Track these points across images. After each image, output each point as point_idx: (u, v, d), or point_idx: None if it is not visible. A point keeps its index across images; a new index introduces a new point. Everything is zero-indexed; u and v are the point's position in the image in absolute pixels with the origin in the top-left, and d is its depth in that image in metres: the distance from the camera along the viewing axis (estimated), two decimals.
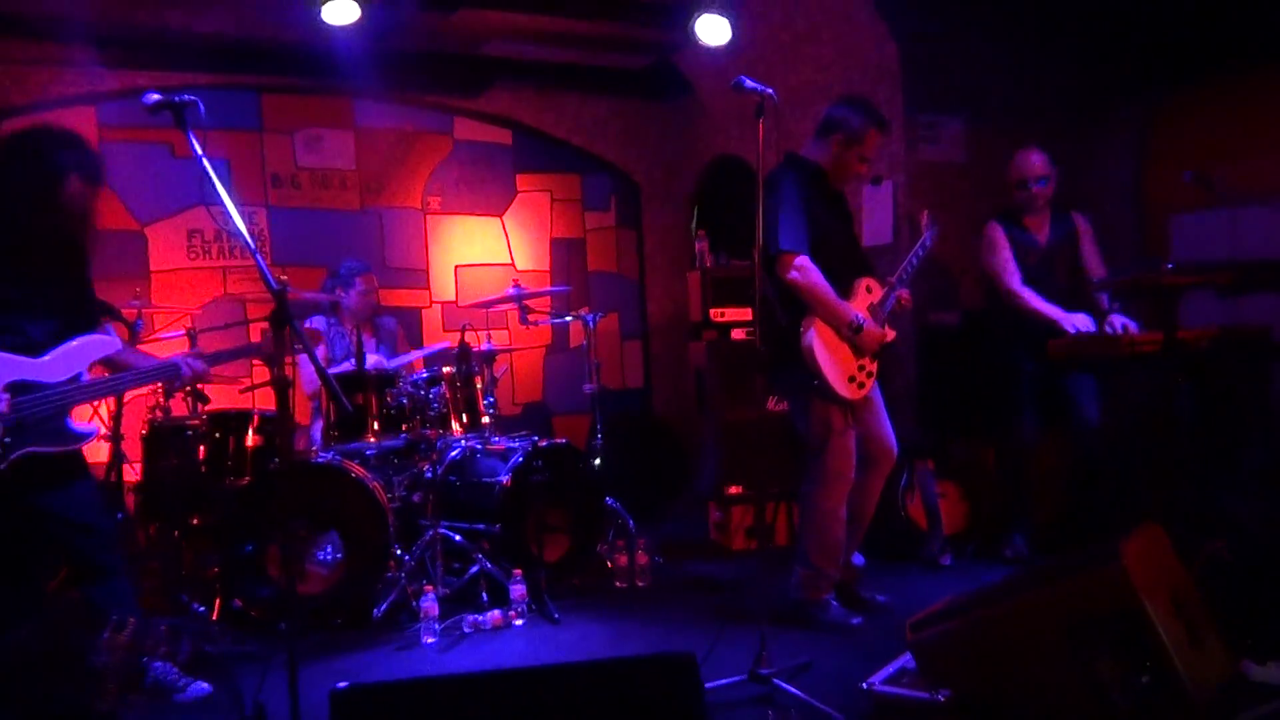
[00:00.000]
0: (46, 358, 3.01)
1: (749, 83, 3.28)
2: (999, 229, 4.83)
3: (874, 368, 3.94)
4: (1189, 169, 4.27)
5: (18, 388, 2.92)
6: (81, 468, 3.17)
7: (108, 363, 3.20)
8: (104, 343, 3.18)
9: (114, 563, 3.14)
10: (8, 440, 2.86)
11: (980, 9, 5.39)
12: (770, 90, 3.26)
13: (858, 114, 3.90)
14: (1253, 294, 4.14)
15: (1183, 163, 5.07)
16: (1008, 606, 2.70)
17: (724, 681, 3.09)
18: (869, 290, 3.96)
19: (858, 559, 4.20)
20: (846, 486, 3.90)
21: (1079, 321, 4.54)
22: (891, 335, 3.99)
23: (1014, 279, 4.75)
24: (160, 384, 4.25)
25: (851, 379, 3.84)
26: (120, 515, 4.46)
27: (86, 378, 3.11)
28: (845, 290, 3.88)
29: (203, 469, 4.37)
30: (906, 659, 3.09)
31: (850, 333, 3.80)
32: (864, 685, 2.97)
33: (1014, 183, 4.80)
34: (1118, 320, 4.51)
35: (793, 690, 3.02)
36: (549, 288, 6.82)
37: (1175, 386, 3.90)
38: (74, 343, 3.08)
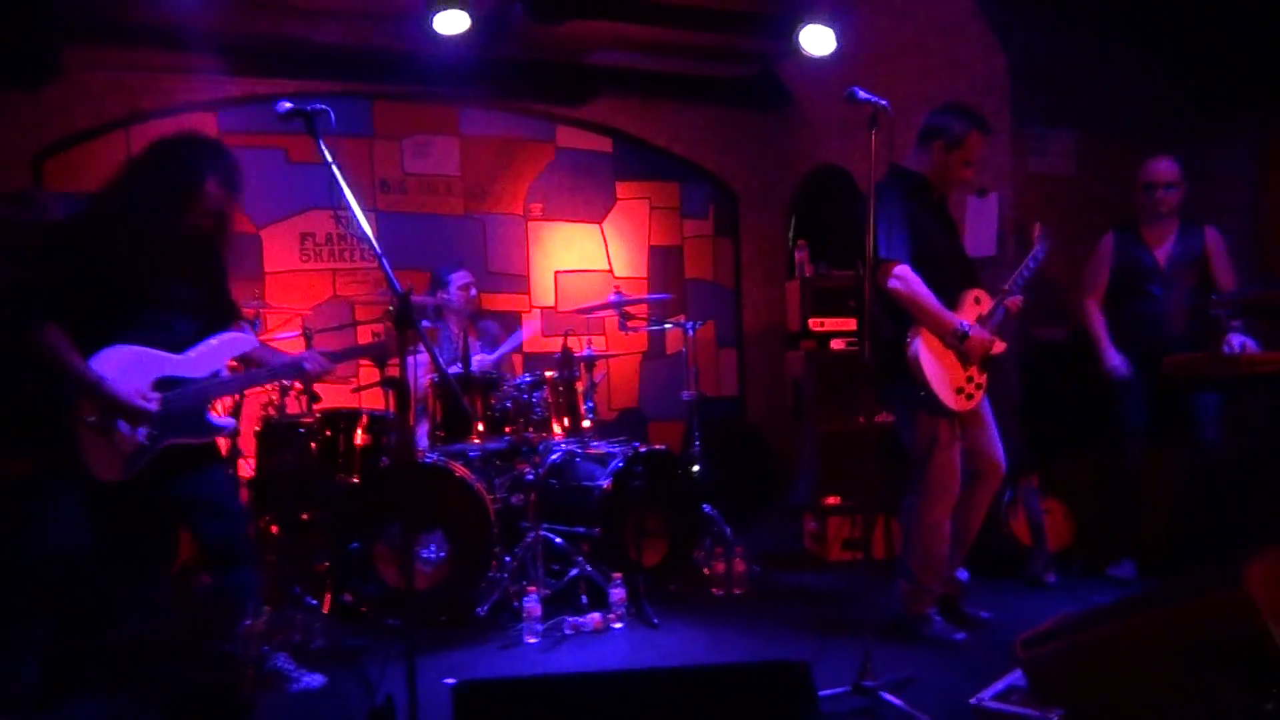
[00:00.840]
0: (191, 354, 3.16)
1: (862, 94, 3.28)
2: (1109, 240, 4.78)
3: (983, 379, 3.89)
4: None
5: (165, 383, 3.08)
6: (217, 456, 3.32)
7: (242, 359, 3.36)
8: (242, 340, 3.34)
9: (245, 549, 3.26)
10: (155, 433, 3.02)
11: (1093, 21, 5.27)
12: (884, 102, 3.26)
13: (958, 119, 3.88)
14: None
15: None
16: (1125, 626, 2.64)
17: (829, 692, 3.07)
18: (977, 301, 3.92)
19: (962, 574, 4.15)
20: (951, 500, 3.86)
21: (1117, 363, 4.65)
22: (1001, 346, 3.93)
23: (1090, 292, 4.81)
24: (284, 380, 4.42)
25: (960, 390, 3.80)
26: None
27: (225, 373, 3.27)
28: (952, 301, 3.84)
29: (314, 466, 4.51)
30: (1016, 676, 3.04)
31: (955, 341, 3.76)
32: (973, 701, 2.94)
33: (1140, 185, 4.71)
34: (1236, 340, 4.37)
35: (899, 703, 3.00)
36: (649, 295, 6.88)
37: None
38: (215, 340, 3.23)
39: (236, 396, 4.54)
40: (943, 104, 4.07)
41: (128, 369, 3.00)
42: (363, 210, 6.46)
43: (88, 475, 2.96)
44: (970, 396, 3.84)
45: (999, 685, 3.04)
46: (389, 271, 2.77)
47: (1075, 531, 4.94)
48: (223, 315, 3.35)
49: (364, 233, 2.77)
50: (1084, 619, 2.82)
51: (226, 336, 3.29)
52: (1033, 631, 2.91)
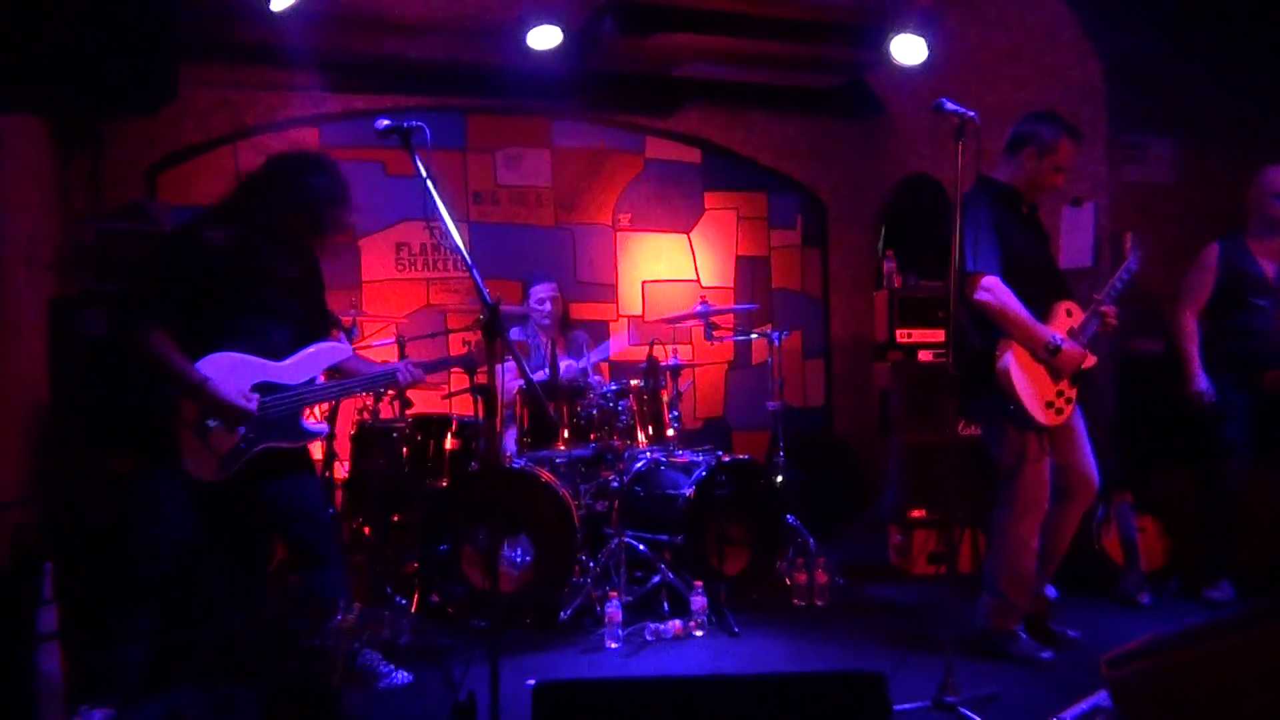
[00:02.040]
0: (288, 362, 3.31)
1: (949, 105, 3.27)
2: (1214, 250, 4.66)
3: (1073, 394, 3.82)
4: None
5: (264, 388, 3.22)
6: (308, 463, 3.45)
7: (336, 368, 3.49)
8: (337, 350, 3.49)
9: (332, 551, 3.40)
10: (252, 436, 3.16)
11: (1192, 22, 5.14)
12: (972, 113, 3.24)
13: (1047, 125, 3.83)
14: None
15: None
16: (1218, 647, 2.57)
17: (908, 706, 3.07)
18: (1069, 314, 3.85)
19: (1051, 591, 4.07)
20: (1040, 515, 3.80)
21: (1204, 386, 4.57)
22: (1093, 360, 3.86)
23: (1189, 304, 4.69)
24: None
25: (1050, 404, 3.74)
26: (330, 510, 4.79)
27: (320, 381, 3.41)
28: (1044, 313, 3.79)
29: (405, 469, 4.64)
30: (1101, 697, 2.98)
31: (1047, 354, 3.71)
32: None
33: (1269, 194, 4.57)
34: None
35: None
36: (735, 305, 6.90)
37: None
38: (311, 349, 3.39)
39: (332, 402, 4.72)
40: (1031, 112, 4.02)
41: (229, 373, 3.14)
42: (456, 221, 6.62)
43: (186, 475, 3.12)
44: (1060, 411, 3.77)
45: (1083, 705, 2.98)
46: (479, 281, 2.86)
47: (1170, 551, 4.80)
48: (319, 325, 3.49)
49: (455, 244, 2.86)
50: (1175, 639, 2.75)
51: (324, 346, 3.43)
52: (1120, 650, 2.85)
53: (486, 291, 2.83)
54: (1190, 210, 5.07)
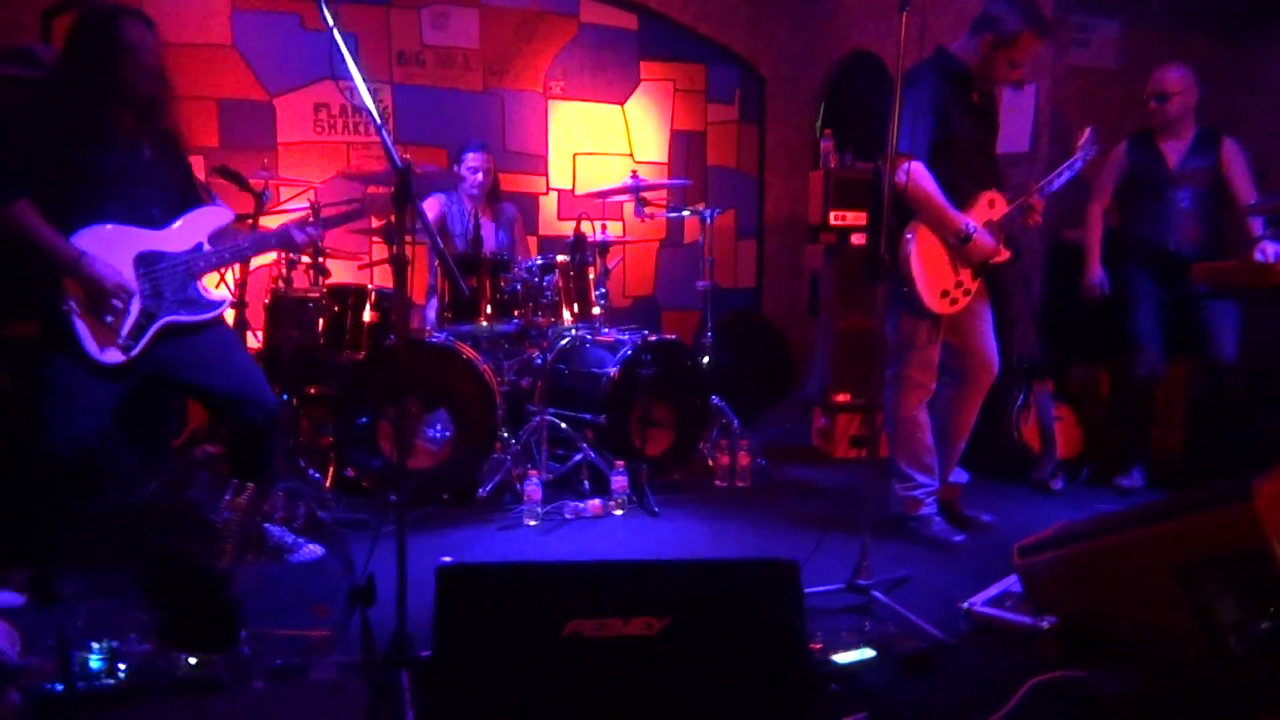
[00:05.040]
0: (170, 228, 3.15)
1: None
2: (1122, 147, 4.71)
3: (973, 286, 3.76)
4: None
5: (147, 258, 3.06)
6: (213, 323, 3.32)
7: (220, 235, 3.32)
8: (220, 213, 3.33)
9: (259, 396, 3.28)
10: (149, 309, 3.03)
11: None
12: None
13: (1015, 14, 3.61)
14: None
15: None
16: (1127, 537, 2.60)
17: (822, 589, 3.08)
18: (991, 205, 3.77)
19: (960, 476, 4.12)
20: (924, 395, 3.84)
21: (1098, 279, 4.70)
22: (1005, 255, 3.81)
23: (1095, 199, 4.77)
24: (281, 251, 4.39)
25: (945, 294, 3.69)
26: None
27: (206, 247, 3.24)
28: (964, 201, 3.70)
29: (321, 340, 4.48)
30: (1011, 582, 3.03)
31: (957, 242, 3.64)
32: (964, 605, 2.93)
33: (1148, 94, 4.61)
34: (1270, 247, 4.23)
35: (890, 603, 3.00)
36: (668, 180, 6.73)
37: None
38: (192, 213, 3.23)
39: (239, 269, 4.51)
40: None
41: (106, 246, 2.98)
42: (378, 83, 6.32)
43: (87, 358, 2.95)
44: (955, 301, 3.73)
45: (993, 590, 3.02)
46: (389, 144, 2.68)
47: (1085, 440, 4.88)
48: (194, 189, 3.33)
49: (364, 103, 2.67)
50: (1084, 528, 2.78)
51: (205, 209, 3.28)
52: (1032, 539, 2.88)
53: (397, 154, 2.66)
54: (1132, 98, 4.98)
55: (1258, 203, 4.35)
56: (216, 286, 4.20)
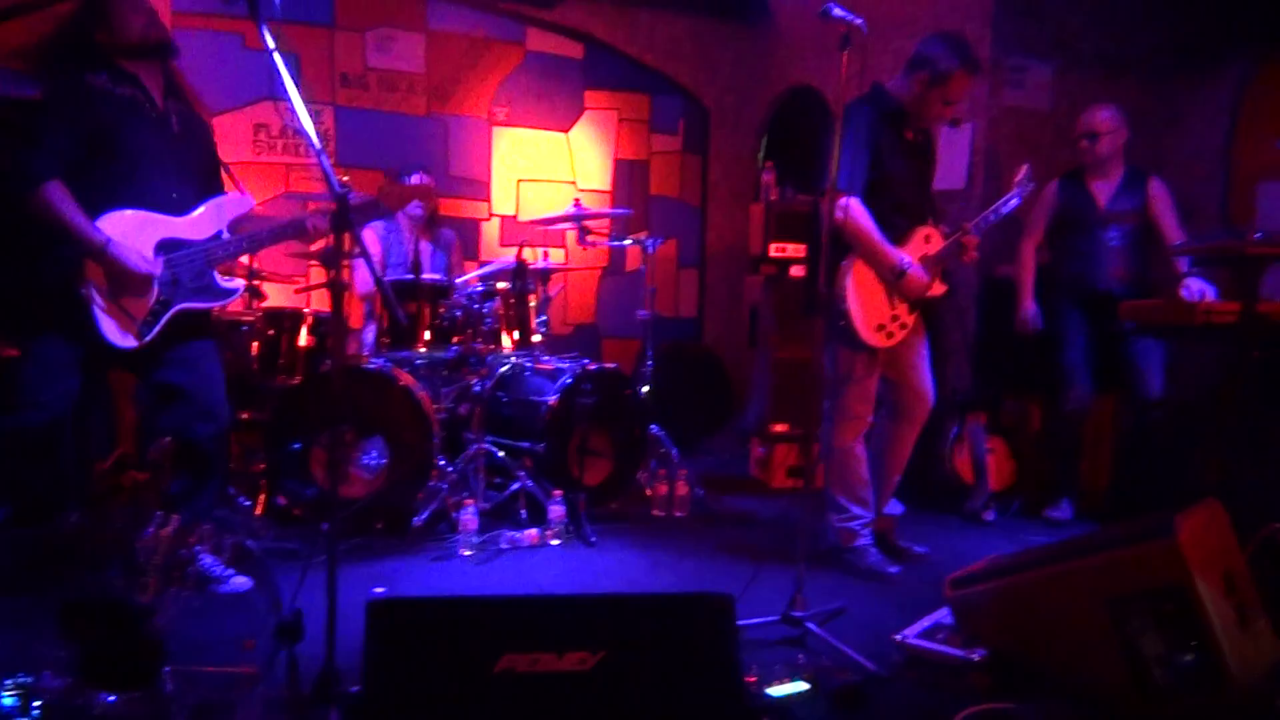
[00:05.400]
0: (191, 215, 3.17)
1: (837, 10, 3.12)
2: (1054, 186, 4.84)
3: (910, 320, 3.83)
4: None
5: (169, 245, 3.08)
6: (212, 328, 3.40)
7: (239, 223, 3.35)
8: (241, 201, 3.36)
9: (220, 414, 3.31)
10: (166, 297, 3.07)
11: None
12: (859, 20, 3.11)
13: (948, 54, 3.70)
14: None
15: (1277, 130, 4.89)
16: (1055, 570, 2.65)
17: (757, 620, 3.07)
18: (927, 240, 3.84)
19: (895, 508, 4.16)
20: (862, 427, 3.88)
21: (1031, 314, 4.79)
22: (940, 289, 3.88)
23: (1027, 237, 4.89)
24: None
25: (881, 327, 3.75)
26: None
27: (226, 235, 3.27)
28: (900, 237, 3.77)
29: (254, 365, 4.41)
30: (943, 614, 3.05)
31: (893, 277, 3.71)
32: (897, 637, 2.95)
33: (1078, 133, 4.75)
34: (1195, 284, 4.34)
35: (825, 635, 3.00)
36: (610, 209, 6.74)
37: (1249, 361, 3.75)
38: (214, 201, 3.25)
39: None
40: (938, 33, 3.89)
41: (130, 232, 3.00)
42: (320, 105, 6.26)
43: (101, 341, 2.97)
44: (891, 335, 3.78)
45: (925, 622, 3.05)
46: (327, 168, 2.64)
47: (1016, 472, 4.97)
48: (216, 175, 3.37)
49: (303, 127, 2.63)
50: (1014, 562, 2.83)
51: (227, 197, 3.30)
52: (963, 571, 2.91)
53: (335, 179, 2.62)
54: (1064, 137, 5.12)
55: (1184, 243, 4.48)
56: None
